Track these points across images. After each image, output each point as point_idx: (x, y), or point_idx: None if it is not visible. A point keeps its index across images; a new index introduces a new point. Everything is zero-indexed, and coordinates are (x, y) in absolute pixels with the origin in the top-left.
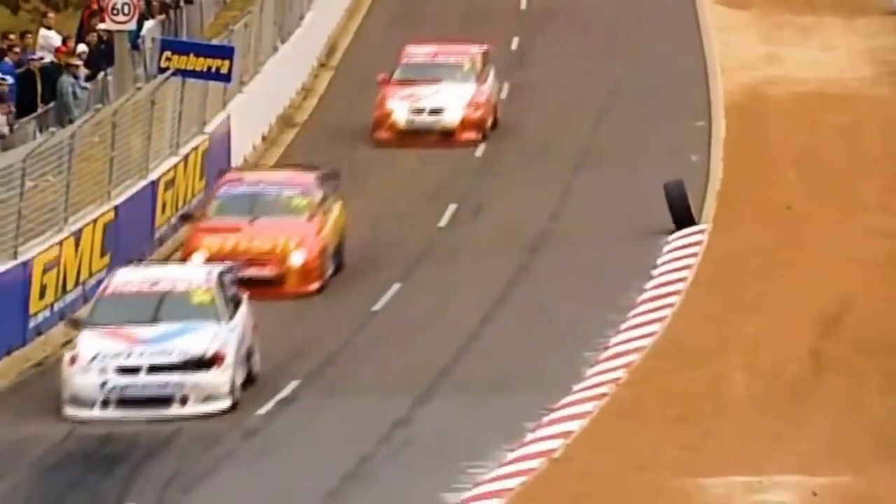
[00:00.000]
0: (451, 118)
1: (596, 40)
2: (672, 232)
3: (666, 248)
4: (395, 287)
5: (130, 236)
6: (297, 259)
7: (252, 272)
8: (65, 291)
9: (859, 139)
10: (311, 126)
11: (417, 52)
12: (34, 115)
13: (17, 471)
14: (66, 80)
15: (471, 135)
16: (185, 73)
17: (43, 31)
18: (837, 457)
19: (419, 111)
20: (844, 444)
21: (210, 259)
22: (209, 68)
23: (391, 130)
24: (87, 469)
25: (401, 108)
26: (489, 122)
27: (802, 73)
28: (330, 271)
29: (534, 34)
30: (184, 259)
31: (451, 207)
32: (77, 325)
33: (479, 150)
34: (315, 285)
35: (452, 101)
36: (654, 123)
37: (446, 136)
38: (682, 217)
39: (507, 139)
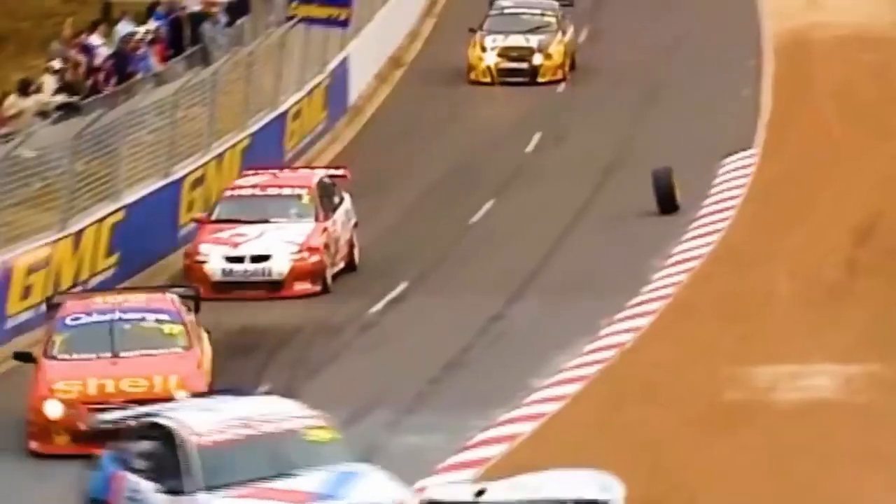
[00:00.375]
0: (278, 267)
1: None
2: (727, 156)
3: (722, 171)
4: (489, 203)
5: (264, 159)
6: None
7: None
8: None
9: (889, 75)
10: (416, 66)
11: (244, 184)
12: (182, 56)
13: None
14: (208, 26)
15: (304, 286)
16: (309, 21)
17: None
18: (869, 348)
19: (237, 259)
20: (875, 337)
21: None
22: (329, 16)
23: (204, 283)
24: (227, 356)
25: (215, 255)
26: (334, 267)
27: (840, 19)
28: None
29: None
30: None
31: (537, 135)
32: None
33: (561, 87)
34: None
35: (281, 245)
36: (712, 63)
37: (273, 290)
38: (666, 202)
39: (585, 77)
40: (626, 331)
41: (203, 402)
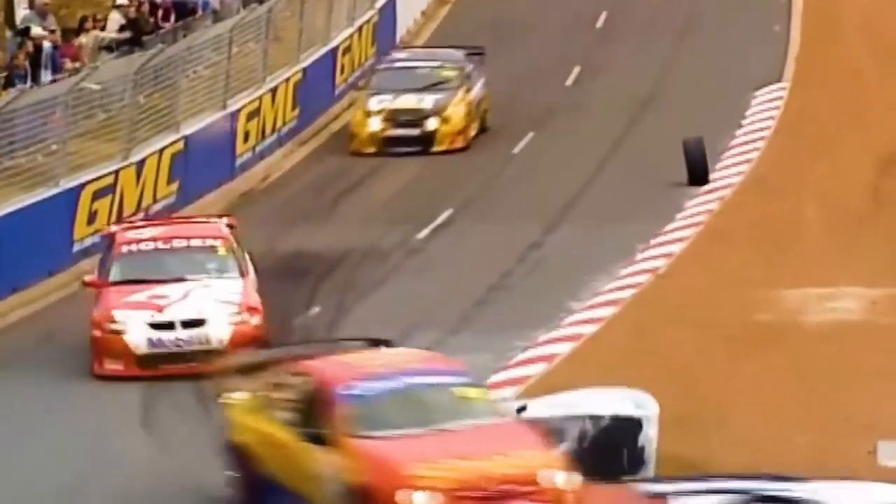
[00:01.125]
0: (217, 334)
1: None
2: (758, 89)
3: (753, 103)
4: (530, 135)
5: (316, 93)
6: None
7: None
8: (263, 137)
9: None
10: (460, 2)
11: (139, 236)
12: None
13: None
14: None
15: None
16: None
17: None
18: (893, 272)
19: (165, 326)
20: None
21: None
22: None
23: (126, 358)
24: (279, 280)
25: (136, 325)
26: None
27: None
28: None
29: None
30: None
31: (576, 69)
32: None
33: (600, 22)
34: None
35: (213, 308)
36: (744, 0)
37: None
38: (698, 174)
39: (623, 14)
40: (661, 256)
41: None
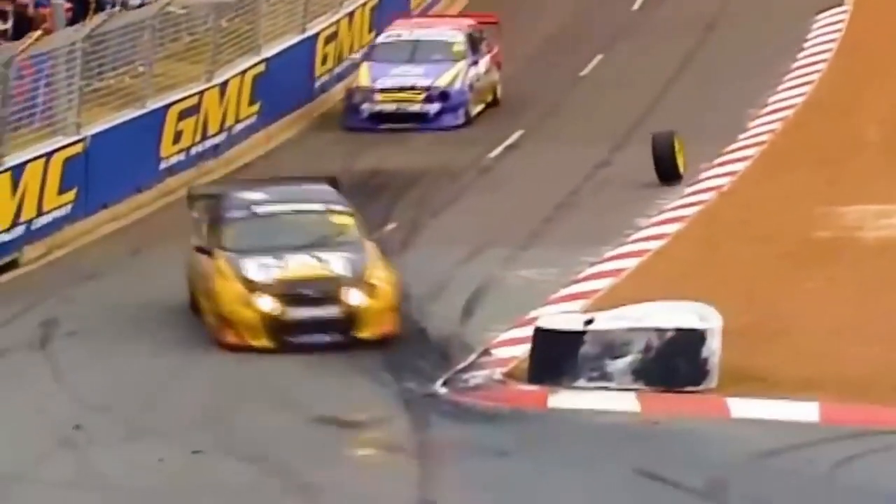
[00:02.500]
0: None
1: None
2: (820, 12)
3: (815, 26)
4: (598, 57)
5: (391, 16)
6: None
7: None
8: (341, 60)
9: None
10: None
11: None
12: None
13: None
14: None
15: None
16: None
17: None
18: None
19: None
20: None
21: None
22: None
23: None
24: (359, 196)
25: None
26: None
27: None
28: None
29: None
30: None
31: None
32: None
33: None
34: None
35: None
36: None
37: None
38: (667, 171)
39: None
40: (724, 174)
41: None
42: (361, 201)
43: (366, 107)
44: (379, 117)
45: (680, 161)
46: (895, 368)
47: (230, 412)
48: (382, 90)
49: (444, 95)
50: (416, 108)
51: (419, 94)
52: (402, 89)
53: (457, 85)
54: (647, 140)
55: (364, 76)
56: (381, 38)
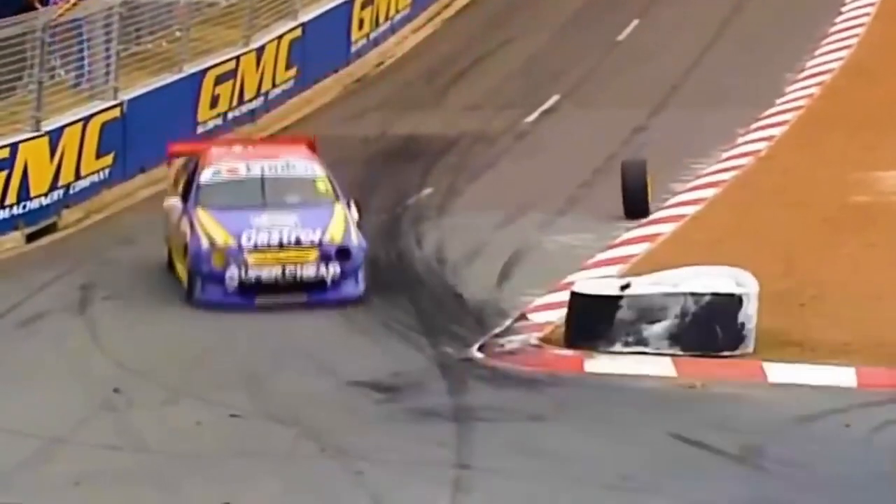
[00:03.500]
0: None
1: None
2: None
3: None
4: (635, 22)
5: None
6: None
7: None
8: (377, 25)
9: None
10: None
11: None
12: None
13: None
14: None
15: None
16: None
17: None
18: None
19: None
20: None
21: None
22: None
23: None
24: (395, 161)
25: None
26: None
27: None
28: None
29: None
30: None
31: None
32: None
33: None
34: None
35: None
36: None
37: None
38: (636, 205)
39: None
40: (761, 139)
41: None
42: (398, 166)
43: (233, 274)
44: (254, 288)
45: (650, 193)
46: None
47: (268, 376)
48: (255, 249)
49: (343, 253)
50: (310, 271)
51: (308, 252)
52: (282, 246)
53: (354, 239)
54: (684, 104)
55: (212, 230)
56: (206, 177)
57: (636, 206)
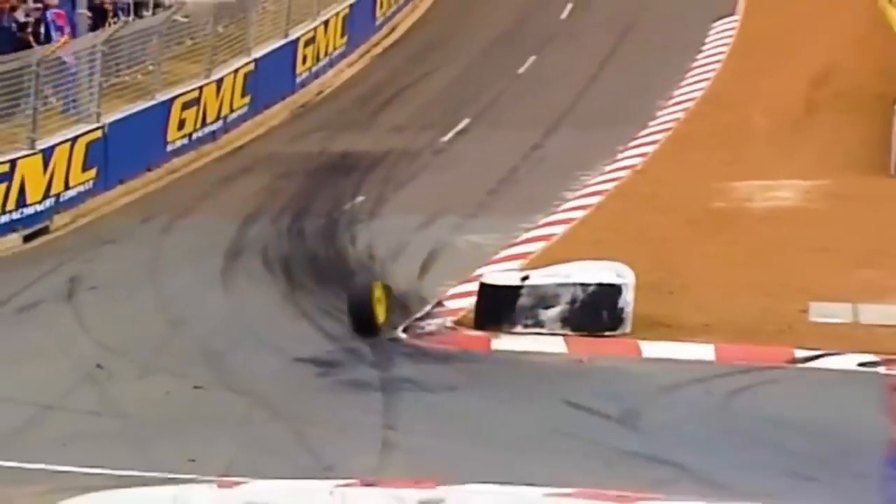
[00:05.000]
0: None
1: None
2: (716, 20)
3: (711, 32)
4: (533, 58)
5: (361, 24)
6: None
7: None
8: (318, 60)
9: None
10: None
11: None
12: None
13: (297, 174)
14: None
15: None
16: None
17: None
18: (821, 168)
19: None
20: (826, 160)
21: None
22: None
23: None
24: (333, 174)
25: None
26: None
27: None
28: None
29: None
30: None
31: (570, 5)
32: None
33: None
34: None
35: None
36: None
37: None
38: (363, 324)
39: None
40: (637, 155)
41: None
42: (335, 178)
43: None
44: None
45: (380, 311)
46: (777, 316)
47: (226, 353)
48: None
49: None
50: None
51: None
52: None
53: None
54: (574, 125)
55: None
56: None
57: (363, 325)
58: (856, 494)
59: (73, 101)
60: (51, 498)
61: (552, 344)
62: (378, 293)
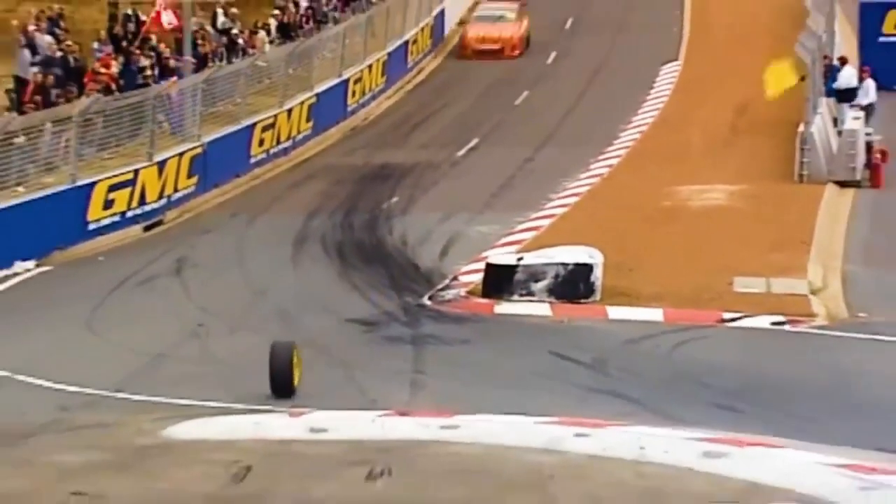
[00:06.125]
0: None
1: None
2: (663, 64)
3: (660, 73)
4: (526, 93)
5: (396, 67)
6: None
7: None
8: (364, 94)
9: (756, 19)
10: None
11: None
12: (349, 8)
13: (347, 181)
14: None
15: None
16: None
17: None
18: (742, 176)
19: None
20: (746, 170)
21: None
22: None
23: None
24: (373, 181)
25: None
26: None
27: None
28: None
29: None
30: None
31: (553, 53)
32: None
33: (568, 24)
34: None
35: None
36: (655, 13)
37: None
38: (281, 385)
39: (582, 20)
40: (604, 167)
41: None
42: (376, 184)
43: None
44: None
45: (296, 374)
46: (709, 287)
47: (296, 315)
48: None
49: None
50: None
51: None
52: None
53: None
54: (557, 144)
55: None
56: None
57: (281, 385)
58: (767, 418)
59: (180, 125)
60: (165, 423)
61: (541, 309)
62: (296, 358)
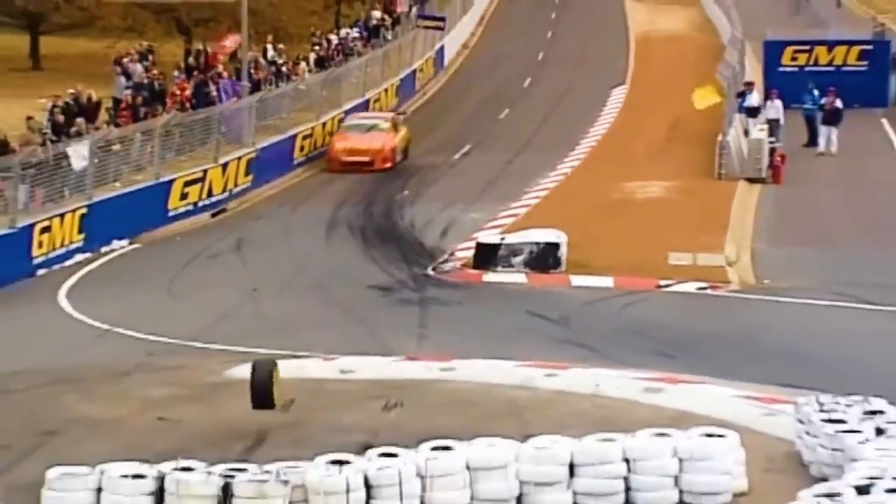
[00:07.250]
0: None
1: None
2: (613, 87)
3: (611, 94)
4: (507, 110)
5: (407, 89)
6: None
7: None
8: (381, 110)
9: (687, 54)
10: (474, 49)
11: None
12: (370, 44)
13: (367, 179)
14: (382, 30)
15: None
16: (425, 27)
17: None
18: (676, 174)
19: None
20: (679, 170)
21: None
22: (435, 25)
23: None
24: (387, 178)
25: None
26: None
27: (666, 27)
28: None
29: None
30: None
31: (528, 79)
32: None
33: (540, 56)
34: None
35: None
36: (605, 48)
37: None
38: (261, 399)
39: (551, 53)
40: (568, 167)
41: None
42: (391, 180)
43: None
44: None
45: (276, 391)
46: (649, 261)
47: (327, 283)
48: None
49: None
50: None
51: None
52: None
53: None
54: (532, 149)
55: None
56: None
57: (261, 398)
58: (694, 363)
59: (239, 135)
60: (228, 365)
61: (519, 278)
62: (276, 376)
